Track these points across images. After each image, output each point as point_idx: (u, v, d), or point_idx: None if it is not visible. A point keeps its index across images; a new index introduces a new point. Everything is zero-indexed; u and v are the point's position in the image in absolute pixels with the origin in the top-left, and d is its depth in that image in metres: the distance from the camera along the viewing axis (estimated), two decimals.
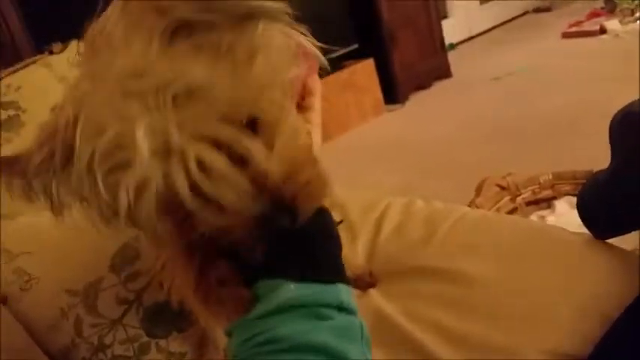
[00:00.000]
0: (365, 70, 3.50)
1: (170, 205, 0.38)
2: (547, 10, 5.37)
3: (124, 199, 0.38)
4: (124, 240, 0.87)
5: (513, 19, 5.41)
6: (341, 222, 0.97)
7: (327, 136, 3.24)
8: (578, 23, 4.27)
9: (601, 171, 0.80)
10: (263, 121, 0.40)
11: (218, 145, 0.37)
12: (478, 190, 1.66)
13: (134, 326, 0.84)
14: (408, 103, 3.64)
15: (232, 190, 0.37)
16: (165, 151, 0.36)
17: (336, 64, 3.44)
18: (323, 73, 0.57)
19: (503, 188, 1.71)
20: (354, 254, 0.92)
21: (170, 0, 0.38)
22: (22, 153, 0.43)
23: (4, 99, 1.17)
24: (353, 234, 0.97)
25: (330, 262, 0.47)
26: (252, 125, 0.39)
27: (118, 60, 0.38)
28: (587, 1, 4.97)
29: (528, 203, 1.74)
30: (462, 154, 2.57)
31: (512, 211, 1.70)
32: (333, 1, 3.44)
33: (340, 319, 0.44)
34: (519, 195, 1.74)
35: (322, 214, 0.49)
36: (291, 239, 0.43)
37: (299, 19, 0.47)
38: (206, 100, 0.36)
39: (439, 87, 3.82)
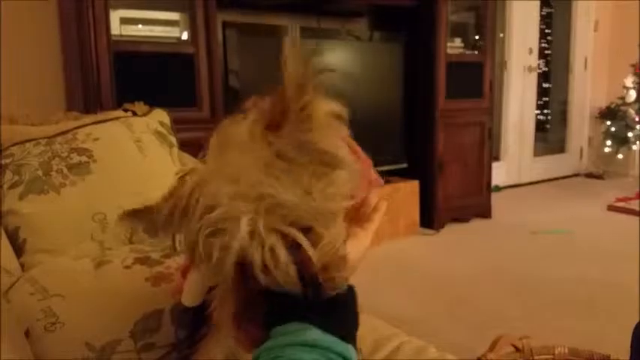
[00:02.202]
0: (408, 190, 3.59)
1: (240, 265, 0.55)
2: (599, 177, 5.45)
3: (215, 254, 0.55)
4: (149, 309, 0.92)
5: (563, 177, 5.49)
6: None
7: None
8: (627, 199, 4.30)
9: None
10: (315, 230, 0.56)
11: (285, 238, 0.55)
12: (492, 345, 1.64)
13: None
14: (442, 232, 3.68)
15: (284, 271, 0.55)
16: (252, 234, 0.54)
17: (382, 178, 3.54)
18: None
19: (517, 349, 1.70)
20: None
21: (277, 138, 0.56)
22: (149, 206, 0.61)
23: (81, 145, 1.27)
24: None
25: (349, 328, 0.60)
26: (308, 230, 0.56)
27: (234, 166, 0.56)
28: None
29: None
30: (484, 300, 2.55)
31: None
32: (390, 119, 3.60)
33: None
34: None
35: (354, 296, 0.62)
36: (331, 302, 0.58)
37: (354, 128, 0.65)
38: (284, 211, 0.54)
39: (476, 225, 3.87)
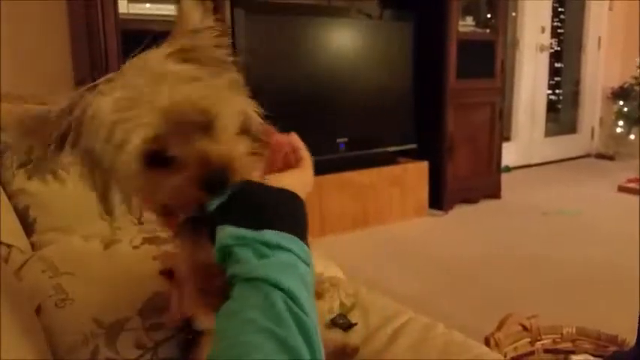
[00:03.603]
0: (417, 171, 3.58)
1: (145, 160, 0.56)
2: (610, 158, 5.40)
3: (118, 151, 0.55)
4: (157, 288, 0.92)
5: (574, 158, 5.45)
6: (355, 324, 1.01)
7: (364, 224, 3.29)
8: (637, 180, 4.26)
9: (622, 352, 0.81)
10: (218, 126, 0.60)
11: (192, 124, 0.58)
12: (500, 324, 1.65)
13: None
14: (451, 213, 3.67)
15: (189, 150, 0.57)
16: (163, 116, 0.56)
17: (391, 159, 3.53)
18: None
19: (525, 329, 1.70)
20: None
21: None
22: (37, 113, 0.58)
23: None
24: (367, 340, 0.99)
25: (259, 217, 0.59)
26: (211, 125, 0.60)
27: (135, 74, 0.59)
28: None
29: (546, 350, 1.72)
30: (492, 280, 2.56)
31: (528, 354, 1.68)
32: (399, 98, 3.57)
33: (279, 255, 0.55)
34: (539, 340, 1.72)
35: (288, 199, 0.63)
36: (242, 200, 0.59)
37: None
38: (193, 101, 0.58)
39: (485, 205, 3.85)
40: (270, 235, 0.56)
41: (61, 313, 0.89)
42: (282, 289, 0.53)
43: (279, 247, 0.56)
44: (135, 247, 0.99)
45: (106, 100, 0.57)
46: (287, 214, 0.61)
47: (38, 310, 0.90)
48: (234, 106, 0.63)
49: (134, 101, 0.55)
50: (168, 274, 0.88)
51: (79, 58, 2.60)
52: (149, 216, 1.21)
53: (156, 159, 0.57)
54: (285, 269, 0.55)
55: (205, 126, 0.59)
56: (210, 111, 0.59)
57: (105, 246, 1.00)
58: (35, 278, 0.94)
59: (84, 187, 0.64)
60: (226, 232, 0.56)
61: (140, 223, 1.17)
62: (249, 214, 0.58)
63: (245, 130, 0.65)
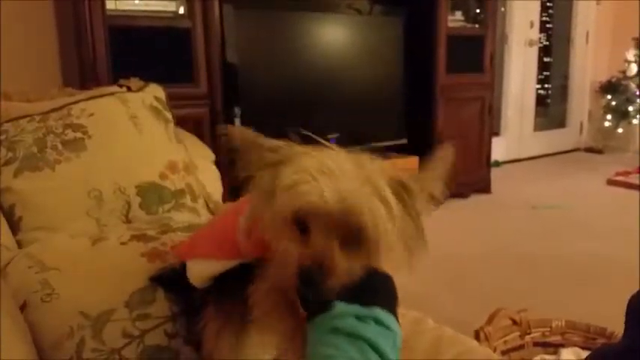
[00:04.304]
0: (407, 166, 3.56)
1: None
2: (599, 152, 5.44)
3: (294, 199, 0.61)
4: (144, 283, 0.92)
5: (563, 152, 5.48)
6: None
7: None
8: (626, 173, 4.30)
9: (610, 345, 0.81)
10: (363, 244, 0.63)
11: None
12: (490, 319, 1.65)
13: (130, 359, 0.87)
14: (441, 208, 3.65)
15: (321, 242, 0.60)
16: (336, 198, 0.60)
17: (381, 154, 3.52)
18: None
19: (515, 322, 1.71)
20: None
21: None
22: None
23: (76, 121, 1.26)
24: None
25: (369, 297, 0.65)
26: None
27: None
28: None
29: (536, 344, 1.73)
30: (483, 275, 2.57)
31: (518, 348, 1.69)
32: (390, 94, 3.57)
33: (376, 327, 0.62)
34: (529, 333, 1.73)
35: (378, 279, 0.68)
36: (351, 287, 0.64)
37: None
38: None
39: (476, 200, 3.86)
40: (380, 313, 0.63)
41: (46, 308, 0.88)
42: (379, 353, 0.59)
43: (382, 324, 0.62)
44: (122, 244, 0.98)
45: (312, 158, 0.63)
46: (386, 294, 0.68)
47: (24, 306, 0.89)
48: (394, 251, 0.67)
49: (331, 174, 0.61)
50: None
51: (66, 55, 2.58)
52: (138, 214, 1.20)
53: (300, 223, 0.62)
54: (383, 338, 0.61)
55: (353, 241, 0.62)
56: (372, 237, 0.62)
57: (92, 242, 0.99)
58: (21, 275, 0.93)
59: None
60: (342, 309, 0.62)
61: (128, 221, 1.16)
62: (361, 296, 0.63)
63: None
